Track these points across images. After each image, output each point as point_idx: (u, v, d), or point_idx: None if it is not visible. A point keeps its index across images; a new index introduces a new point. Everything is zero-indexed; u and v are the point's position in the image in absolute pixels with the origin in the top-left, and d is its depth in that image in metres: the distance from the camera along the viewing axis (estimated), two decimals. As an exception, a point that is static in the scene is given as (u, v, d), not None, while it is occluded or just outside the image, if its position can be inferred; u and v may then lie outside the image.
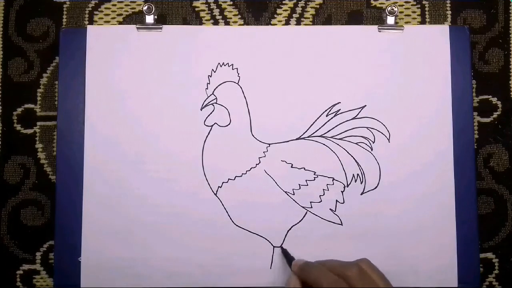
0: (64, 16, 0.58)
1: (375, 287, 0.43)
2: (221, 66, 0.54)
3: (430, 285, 0.52)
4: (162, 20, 0.57)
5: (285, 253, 0.52)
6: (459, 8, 0.58)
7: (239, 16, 0.58)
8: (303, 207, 0.53)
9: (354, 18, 0.58)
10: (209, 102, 0.54)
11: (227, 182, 0.53)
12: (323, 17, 0.58)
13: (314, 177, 0.53)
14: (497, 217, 0.56)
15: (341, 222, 0.53)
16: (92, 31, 0.54)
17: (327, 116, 0.54)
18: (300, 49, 0.54)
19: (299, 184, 0.53)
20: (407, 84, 0.54)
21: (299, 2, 0.58)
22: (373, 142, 0.54)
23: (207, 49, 0.54)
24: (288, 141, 0.54)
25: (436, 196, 0.53)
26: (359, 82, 0.54)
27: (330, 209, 0.53)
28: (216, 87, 0.54)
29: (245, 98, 0.54)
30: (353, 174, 0.53)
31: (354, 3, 0.58)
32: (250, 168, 0.53)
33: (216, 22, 0.58)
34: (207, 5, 0.58)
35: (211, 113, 0.54)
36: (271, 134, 0.54)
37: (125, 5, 0.58)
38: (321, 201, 0.53)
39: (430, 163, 0.53)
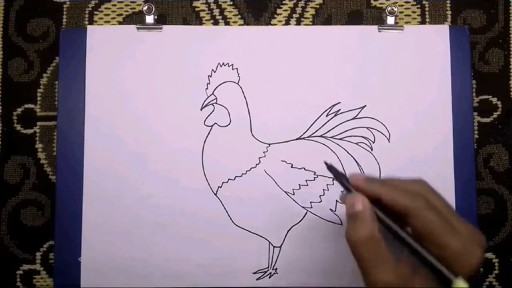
0: (64, 16, 0.58)
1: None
2: (221, 66, 0.54)
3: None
4: (162, 20, 0.57)
5: (331, 169, 0.41)
6: (459, 8, 0.58)
7: (239, 16, 0.58)
8: (303, 207, 0.53)
9: (354, 18, 0.58)
10: (209, 102, 0.54)
11: (227, 182, 0.53)
12: (323, 17, 0.58)
13: (314, 177, 0.53)
14: (497, 217, 0.56)
15: (341, 222, 0.53)
16: (92, 31, 0.54)
17: (327, 116, 0.54)
18: (300, 49, 0.54)
19: (299, 184, 0.53)
20: (407, 84, 0.54)
21: (299, 2, 0.58)
22: (373, 142, 0.54)
23: (207, 49, 0.54)
24: (288, 141, 0.54)
25: (436, 196, 0.53)
26: (359, 82, 0.54)
27: (330, 209, 0.53)
28: (216, 87, 0.54)
29: (245, 98, 0.54)
30: (353, 174, 0.53)
31: (354, 3, 0.58)
32: (250, 168, 0.53)
33: (216, 22, 0.58)
34: (207, 5, 0.58)
35: (211, 113, 0.54)
36: (271, 134, 0.54)
37: (125, 5, 0.58)
38: (321, 201, 0.53)
39: (430, 163, 0.53)
